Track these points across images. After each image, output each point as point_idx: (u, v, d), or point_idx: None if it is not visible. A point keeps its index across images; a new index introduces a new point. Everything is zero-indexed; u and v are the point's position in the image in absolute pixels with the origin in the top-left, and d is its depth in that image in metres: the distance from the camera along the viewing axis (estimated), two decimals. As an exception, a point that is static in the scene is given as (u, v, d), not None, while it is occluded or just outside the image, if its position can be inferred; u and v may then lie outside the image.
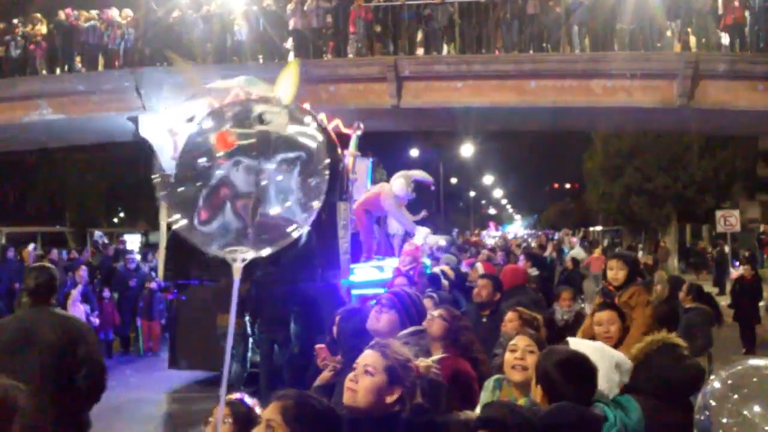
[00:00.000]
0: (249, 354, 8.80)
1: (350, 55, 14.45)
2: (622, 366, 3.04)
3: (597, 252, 18.25)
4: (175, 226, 2.58)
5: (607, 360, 3.00)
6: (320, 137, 2.68)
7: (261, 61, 14.66)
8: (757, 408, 1.56)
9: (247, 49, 14.70)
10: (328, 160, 2.59)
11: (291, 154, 2.55)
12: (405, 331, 3.45)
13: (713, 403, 1.65)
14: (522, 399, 3.02)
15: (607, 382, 2.91)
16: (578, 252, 17.48)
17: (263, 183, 2.51)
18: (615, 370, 2.98)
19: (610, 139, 28.95)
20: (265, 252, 2.58)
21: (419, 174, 11.26)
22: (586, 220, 47.05)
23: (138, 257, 15.04)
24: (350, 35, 14.35)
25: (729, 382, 1.67)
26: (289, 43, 14.93)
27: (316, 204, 2.58)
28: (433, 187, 13.31)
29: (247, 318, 8.32)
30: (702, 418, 1.68)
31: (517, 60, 13.96)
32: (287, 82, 2.87)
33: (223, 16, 14.83)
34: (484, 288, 5.71)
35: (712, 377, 1.73)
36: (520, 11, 13.93)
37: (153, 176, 2.70)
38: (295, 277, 8.28)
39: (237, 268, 2.58)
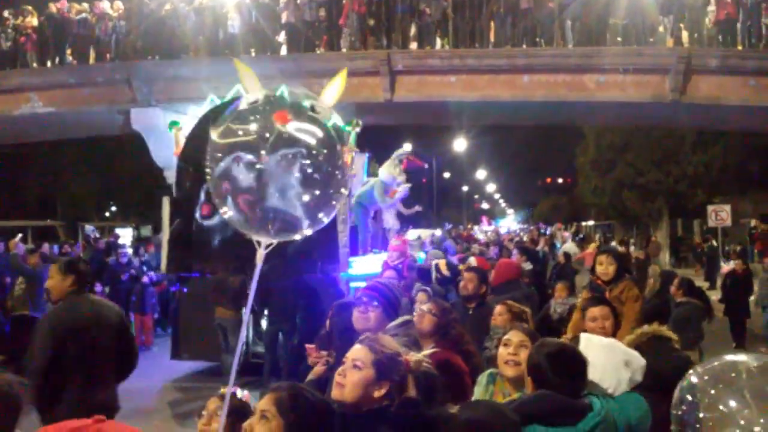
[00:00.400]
0: (245, 347, 8.92)
1: (343, 49, 14.40)
2: (633, 363, 3.01)
3: (591, 247, 18.28)
4: (226, 216, 2.82)
5: (616, 356, 3.00)
6: (343, 135, 2.97)
7: (253, 54, 14.61)
8: (733, 402, 1.57)
9: (239, 42, 14.63)
10: (352, 154, 2.79)
11: (320, 150, 2.79)
12: (393, 323, 3.47)
13: (690, 398, 1.66)
14: (516, 393, 3.02)
15: (615, 378, 2.91)
16: (570, 246, 17.53)
17: (297, 175, 2.71)
18: (624, 368, 2.96)
19: (603, 133, 28.98)
20: (307, 232, 2.84)
21: (401, 151, 11.36)
22: (579, 214, 47.28)
23: (130, 251, 15.01)
24: (342, 29, 14.30)
25: (706, 377, 1.67)
26: (282, 37, 14.88)
27: (344, 191, 2.90)
28: (426, 166, 13.45)
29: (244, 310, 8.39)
30: (679, 412, 1.69)
31: (510, 54, 13.95)
32: (335, 87, 3.05)
33: (216, 9, 14.75)
34: (471, 281, 5.77)
35: (689, 372, 1.74)
36: (514, 6, 13.92)
37: (205, 168, 2.81)
38: (298, 269, 8.37)
39: (260, 255, 2.68)
